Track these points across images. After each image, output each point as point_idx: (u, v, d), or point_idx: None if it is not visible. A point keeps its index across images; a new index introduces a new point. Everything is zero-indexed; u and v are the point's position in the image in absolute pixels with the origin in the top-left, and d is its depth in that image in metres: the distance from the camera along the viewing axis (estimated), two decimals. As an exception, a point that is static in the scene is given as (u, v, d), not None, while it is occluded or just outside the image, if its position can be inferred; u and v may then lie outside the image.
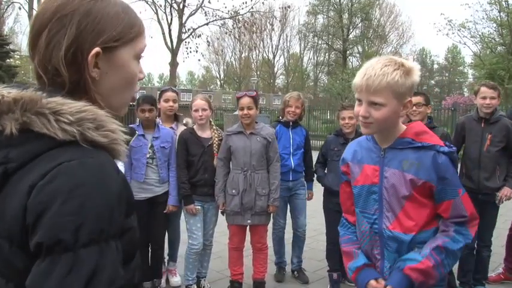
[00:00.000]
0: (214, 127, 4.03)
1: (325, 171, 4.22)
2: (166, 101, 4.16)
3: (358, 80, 1.69)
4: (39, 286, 0.74)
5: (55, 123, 0.81)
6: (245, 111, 3.73)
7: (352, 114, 4.03)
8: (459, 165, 3.87)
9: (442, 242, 1.68)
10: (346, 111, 4.04)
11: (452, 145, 1.76)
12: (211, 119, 4.05)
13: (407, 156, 1.71)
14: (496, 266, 4.68)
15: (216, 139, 3.93)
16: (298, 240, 4.42)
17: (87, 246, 0.76)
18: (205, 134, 3.94)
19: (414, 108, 3.80)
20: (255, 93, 3.86)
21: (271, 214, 3.95)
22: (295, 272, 4.42)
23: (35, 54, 0.89)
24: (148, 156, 3.80)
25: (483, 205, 3.90)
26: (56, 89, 0.89)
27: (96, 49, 0.88)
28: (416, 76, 1.68)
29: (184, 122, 4.54)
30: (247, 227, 3.91)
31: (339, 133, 4.14)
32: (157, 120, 4.05)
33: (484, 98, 3.84)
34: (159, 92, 4.40)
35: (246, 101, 3.74)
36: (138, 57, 0.98)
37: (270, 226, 4.02)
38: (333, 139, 4.14)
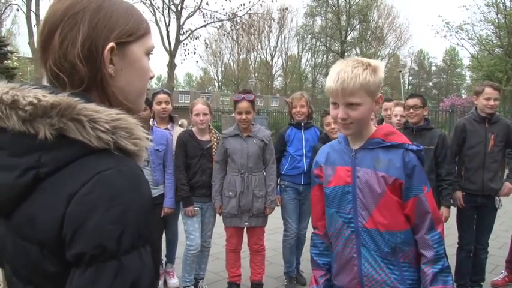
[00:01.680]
0: (213, 131, 4.03)
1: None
2: (159, 103, 4.14)
3: (331, 84, 1.74)
4: None
5: (91, 131, 0.82)
6: (243, 116, 3.72)
7: None
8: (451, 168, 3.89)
9: (432, 273, 1.72)
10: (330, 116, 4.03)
11: (420, 145, 1.84)
12: (210, 123, 4.05)
13: (378, 156, 1.78)
14: (493, 267, 4.69)
15: (215, 143, 3.93)
16: (299, 243, 4.37)
17: (129, 252, 0.79)
18: (204, 137, 3.94)
19: (411, 110, 3.82)
20: (253, 96, 3.83)
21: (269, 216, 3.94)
22: (293, 274, 4.40)
23: (48, 55, 0.89)
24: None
25: (482, 208, 3.92)
26: (77, 90, 0.89)
27: (111, 44, 0.89)
28: (382, 73, 1.77)
29: (179, 123, 4.54)
30: (245, 229, 3.91)
31: (325, 140, 4.09)
32: (153, 122, 4.05)
33: (489, 99, 3.84)
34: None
35: (244, 105, 3.72)
36: (148, 54, 0.99)
37: (269, 228, 4.02)
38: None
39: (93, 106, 0.85)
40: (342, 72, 1.72)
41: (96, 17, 0.89)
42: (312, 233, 2.09)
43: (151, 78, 1.04)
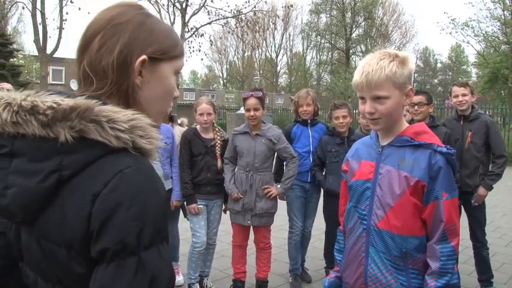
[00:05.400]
0: (217, 128, 4.03)
1: (324, 173, 4.16)
2: None
3: (357, 78, 1.70)
4: None
5: (110, 131, 0.84)
6: (251, 113, 3.71)
7: (345, 113, 4.01)
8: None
9: (435, 286, 1.64)
10: (340, 110, 4.01)
11: (452, 148, 1.73)
12: (214, 120, 4.04)
13: (404, 154, 1.71)
14: (499, 265, 4.67)
15: (219, 140, 3.93)
16: (304, 240, 4.36)
17: (149, 248, 0.82)
18: (208, 135, 3.94)
19: (416, 107, 3.81)
20: (261, 93, 3.81)
21: (274, 216, 3.93)
22: (298, 271, 4.39)
23: (84, 56, 0.93)
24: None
25: (470, 205, 3.91)
26: (96, 93, 0.92)
27: (143, 56, 0.92)
28: (412, 64, 1.70)
29: (179, 121, 4.54)
30: (251, 226, 3.91)
31: (333, 133, 4.09)
32: None
33: (456, 96, 3.95)
34: None
35: (252, 102, 3.71)
36: (176, 74, 1.03)
37: (274, 225, 4.01)
38: (329, 140, 4.07)
39: (111, 107, 0.87)
40: (367, 65, 1.67)
41: (138, 30, 0.94)
42: (338, 228, 2.08)
43: (176, 98, 1.06)
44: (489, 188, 3.87)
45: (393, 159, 1.73)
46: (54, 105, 0.84)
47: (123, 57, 0.91)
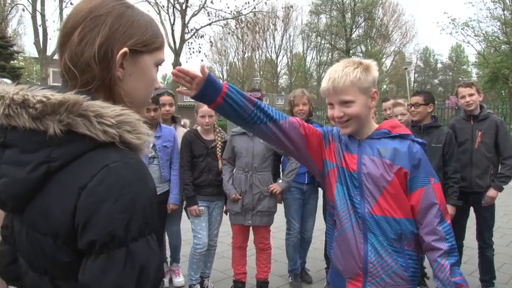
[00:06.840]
0: (217, 130, 4.03)
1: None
2: (163, 105, 4.09)
3: (324, 85, 1.82)
4: (98, 281, 0.80)
5: (98, 125, 0.86)
6: None
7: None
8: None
9: (450, 264, 1.73)
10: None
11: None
12: (214, 122, 4.04)
13: (385, 144, 1.82)
14: (500, 265, 4.67)
15: (220, 142, 3.93)
16: (304, 242, 4.37)
17: (137, 239, 0.84)
18: (209, 136, 3.94)
19: (413, 108, 3.82)
20: (259, 94, 3.81)
21: (274, 216, 3.93)
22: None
23: (65, 50, 0.94)
24: (150, 155, 3.80)
25: (479, 205, 3.89)
26: (85, 88, 0.94)
27: (125, 49, 0.94)
28: (375, 71, 1.82)
29: (182, 123, 4.54)
30: (251, 227, 3.91)
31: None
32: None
33: (463, 97, 3.91)
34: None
35: None
36: (157, 66, 1.05)
37: (274, 226, 4.01)
38: None
39: (100, 103, 0.89)
40: (333, 72, 1.79)
41: (118, 22, 0.94)
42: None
43: (157, 89, 1.09)
44: (499, 189, 3.85)
45: (374, 149, 1.82)
46: (44, 99, 0.86)
47: (104, 51, 0.92)
